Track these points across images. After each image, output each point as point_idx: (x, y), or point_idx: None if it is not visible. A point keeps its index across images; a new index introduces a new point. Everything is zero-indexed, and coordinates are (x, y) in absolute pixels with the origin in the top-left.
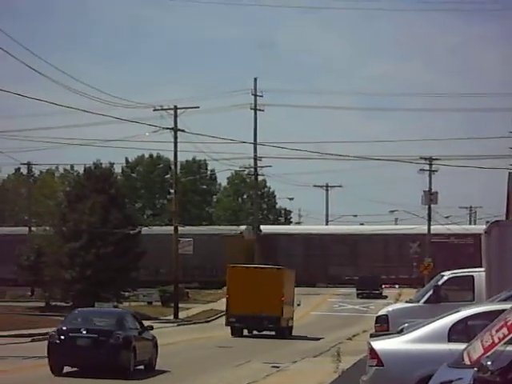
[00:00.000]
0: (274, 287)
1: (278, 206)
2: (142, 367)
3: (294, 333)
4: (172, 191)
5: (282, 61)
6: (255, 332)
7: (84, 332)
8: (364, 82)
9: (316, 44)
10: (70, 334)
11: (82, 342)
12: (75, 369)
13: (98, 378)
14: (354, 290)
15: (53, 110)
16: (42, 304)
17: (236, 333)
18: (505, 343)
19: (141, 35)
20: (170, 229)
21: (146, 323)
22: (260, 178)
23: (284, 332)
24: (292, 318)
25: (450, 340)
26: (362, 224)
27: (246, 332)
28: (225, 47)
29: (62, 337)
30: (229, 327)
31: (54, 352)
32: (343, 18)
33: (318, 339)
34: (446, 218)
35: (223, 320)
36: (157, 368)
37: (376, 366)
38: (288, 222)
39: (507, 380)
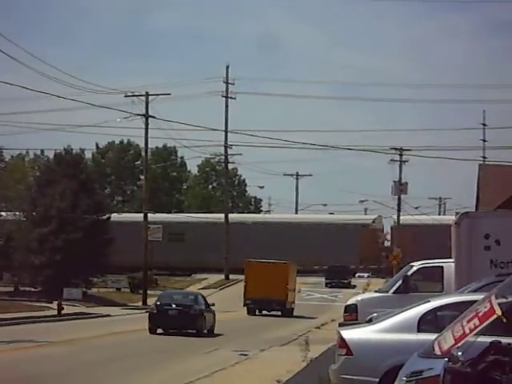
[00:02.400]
0: (281, 277)
1: (248, 194)
2: (205, 331)
3: None
4: (142, 178)
5: (256, 49)
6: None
7: (173, 306)
8: (338, 71)
9: (291, 33)
10: (164, 307)
11: (172, 312)
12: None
13: (183, 336)
14: (322, 279)
15: (24, 94)
16: (11, 289)
17: (251, 312)
18: (475, 334)
19: (113, 22)
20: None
21: (114, 310)
22: (231, 166)
23: (288, 312)
24: (294, 302)
25: (419, 330)
26: (331, 213)
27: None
28: (198, 35)
29: (158, 309)
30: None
31: (153, 319)
32: (319, 7)
33: (314, 318)
34: (416, 208)
35: None
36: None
37: (345, 355)
38: (258, 210)
39: (477, 370)
